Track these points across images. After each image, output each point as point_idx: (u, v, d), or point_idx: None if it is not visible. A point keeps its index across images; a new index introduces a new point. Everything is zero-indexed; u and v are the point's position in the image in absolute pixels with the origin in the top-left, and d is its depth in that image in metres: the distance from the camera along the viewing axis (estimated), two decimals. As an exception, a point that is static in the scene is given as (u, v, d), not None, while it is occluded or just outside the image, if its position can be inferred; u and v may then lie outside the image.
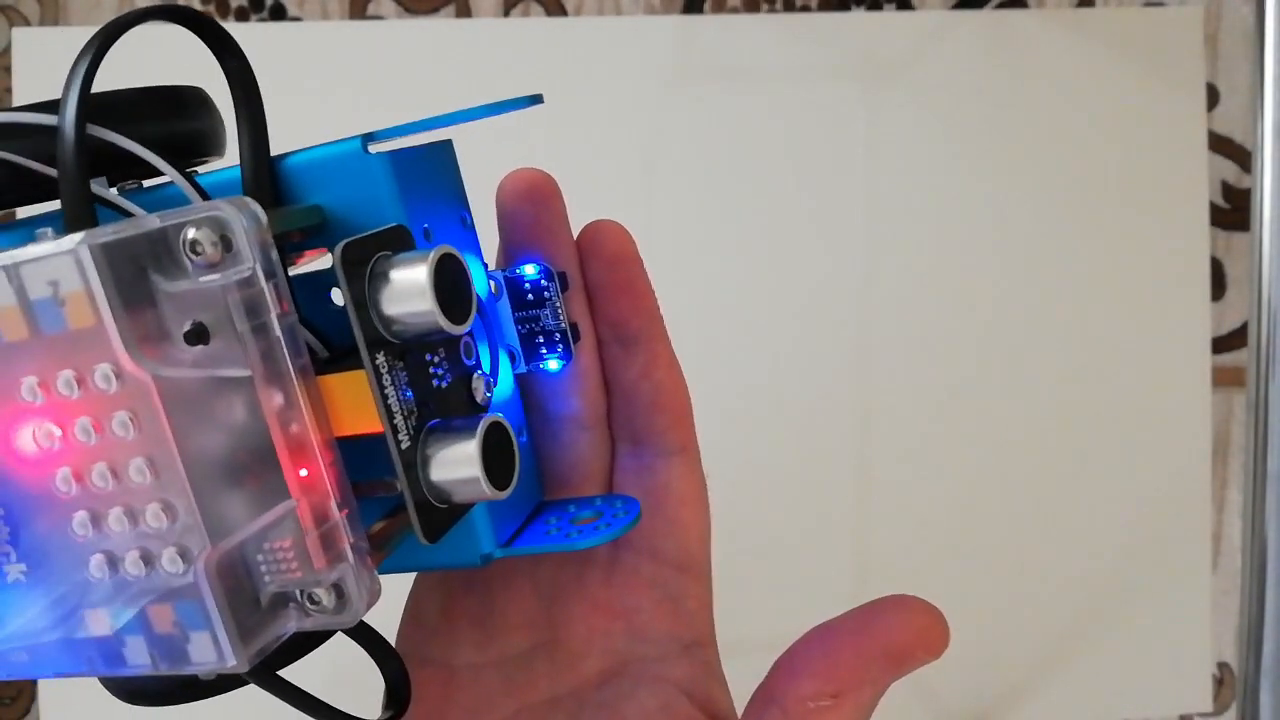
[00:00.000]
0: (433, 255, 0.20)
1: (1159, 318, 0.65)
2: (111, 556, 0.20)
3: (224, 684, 0.23)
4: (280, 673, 0.22)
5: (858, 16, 0.65)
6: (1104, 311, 0.65)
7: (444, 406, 0.22)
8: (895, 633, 0.22)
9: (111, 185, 0.22)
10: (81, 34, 0.60)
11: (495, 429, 0.22)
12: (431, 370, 0.22)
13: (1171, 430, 0.65)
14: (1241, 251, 0.68)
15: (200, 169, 0.24)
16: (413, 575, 0.28)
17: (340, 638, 0.23)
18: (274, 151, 0.23)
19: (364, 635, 0.23)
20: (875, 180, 0.63)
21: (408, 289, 0.20)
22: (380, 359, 0.20)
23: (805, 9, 0.65)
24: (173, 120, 0.23)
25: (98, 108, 0.21)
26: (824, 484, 0.63)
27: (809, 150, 0.63)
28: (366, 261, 0.20)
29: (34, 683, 0.63)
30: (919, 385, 0.64)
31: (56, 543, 0.20)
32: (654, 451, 0.27)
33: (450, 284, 0.21)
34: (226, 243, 0.18)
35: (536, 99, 0.23)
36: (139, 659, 0.20)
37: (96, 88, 0.21)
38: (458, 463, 0.21)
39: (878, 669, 0.22)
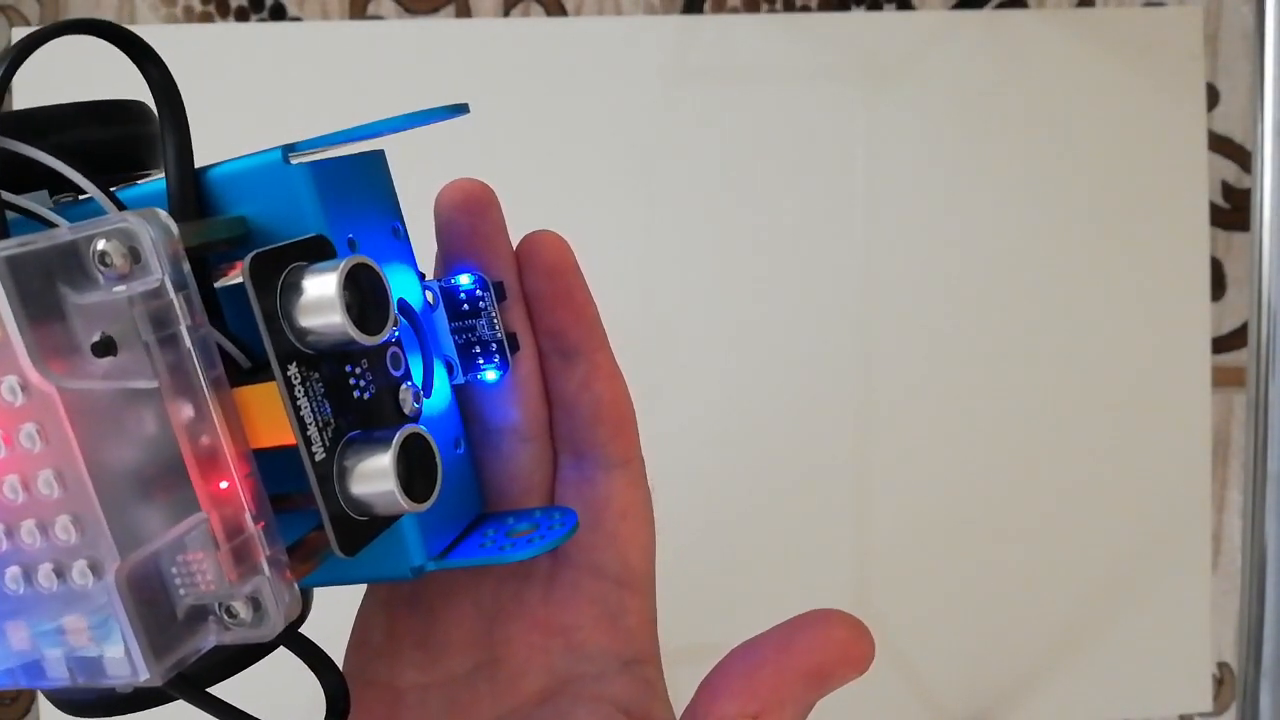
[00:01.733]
0: (343, 266, 0.20)
1: (1159, 317, 0.65)
2: (26, 569, 0.20)
3: (156, 697, 0.23)
4: (222, 686, 0.22)
5: (858, 16, 0.65)
6: (1104, 311, 0.65)
7: (368, 418, 0.22)
8: (815, 651, 0.22)
9: (53, 198, 0.22)
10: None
11: (413, 439, 0.21)
12: (352, 381, 0.22)
13: (1171, 430, 0.65)
14: (1241, 251, 0.68)
15: (140, 181, 0.24)
16: (360, 594, 0.28)
17: (283, 653, 0.23)
18: (210, 161, 0.23)
19: (301, 647, 0.23)
20: (875, 180, 0.63)
21: (317, 300, 0.20)
22: (292, 370, 0.20)
23: (805, 9, 0.65)
24: (101, 131, 0.23)
25: (24, 121, 0.21)
26: (823, 484, 0.63)
27: (809, 150, 0.63)
28: (279, 272, 0.20)
29: (34, 683, 0.63)
30: (919, 385, 0.64)
31: None
32: (595, 464, 0.26)
33: (363, 294, 0.21)
34: (136, 255, 0.18)
35: (461, 109, 0.22)
36: (58, 673, 0.20)
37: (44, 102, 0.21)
38: (373, 475, 0.21)
39: (798, 688, 0.22)
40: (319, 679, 0.24)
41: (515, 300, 0.26)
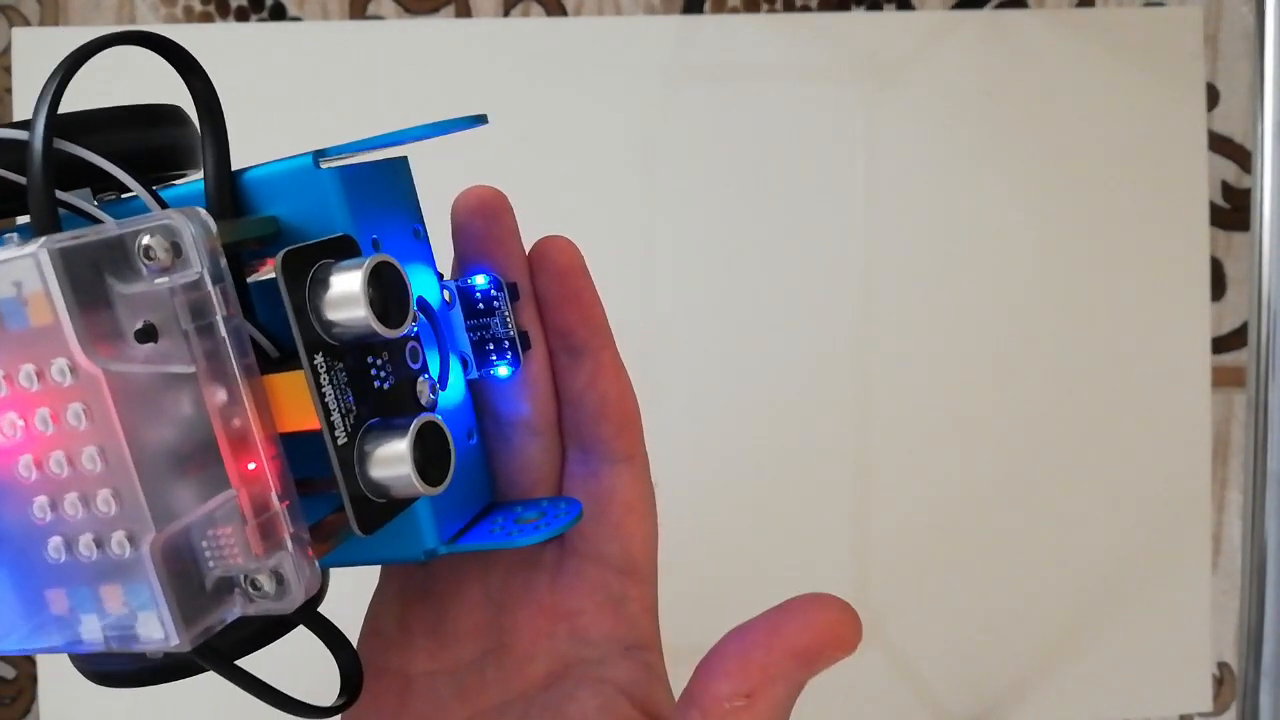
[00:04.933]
0: (368, 264, 0.22)
1: (1159, 317, 0.65)
2: (68, 539, 0.21)
3: (184, 668, 0.24)
4: (243, 663, 0.23)
5: (858, 16, 0.65)
6: (1104, 311, 0.65)
7: (387, 407, 0.23)
8: (806, 632, 0.23)
9: (95, 196, 0.24)
10: (82, 34, 0.60)
11: (429, 427, 0.23)
12: (373, 372, 0.23)
13: (1171, 430, 0.65)
14: (1241, 251, 0.68)
15: (178, 181, 0.26)
16: (375, 580, 0.29)
17: (302, 634, 0.24)
18: (242, 164, 0.24)
19: (318, 624, 0.24)
20: (875, 180, 0.63)
21: (343, 295, 0.22)
22: (319, 360, 0.22)
23: (805, 9, 0.65)
24: (145, 135, 0.25)
25: (75, 124, 0.23)
26: (823, 484, 0.63)
27: (809, 150, 0.63)
28: (308, 268, 0.22)
29: (34, 683, 0.63)
30: (918, 384, 0.64)
31: (20, 525, 0.21)
32: (600, 458, 0.28)
33: (386, 291, 0.22)
34: (177, 249, 0.20)
35: (481, 119, 0.24)
36: (93, 637, 0.21)
37: (80, 107, 0.23)
38: (391, 460, 0.22)
39: (790, 667, 0.23)
40: (334, 656, 0.25)
41: (527, 300, 0.27)
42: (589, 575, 0.28)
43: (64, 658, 0.60)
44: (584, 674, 0.27)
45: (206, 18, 0.63)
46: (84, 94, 0.23)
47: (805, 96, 0.63)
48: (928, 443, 0.64)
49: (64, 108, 0.22)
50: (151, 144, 0.25)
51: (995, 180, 0.64)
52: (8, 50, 0.61)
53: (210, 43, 0.60)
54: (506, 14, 0.64)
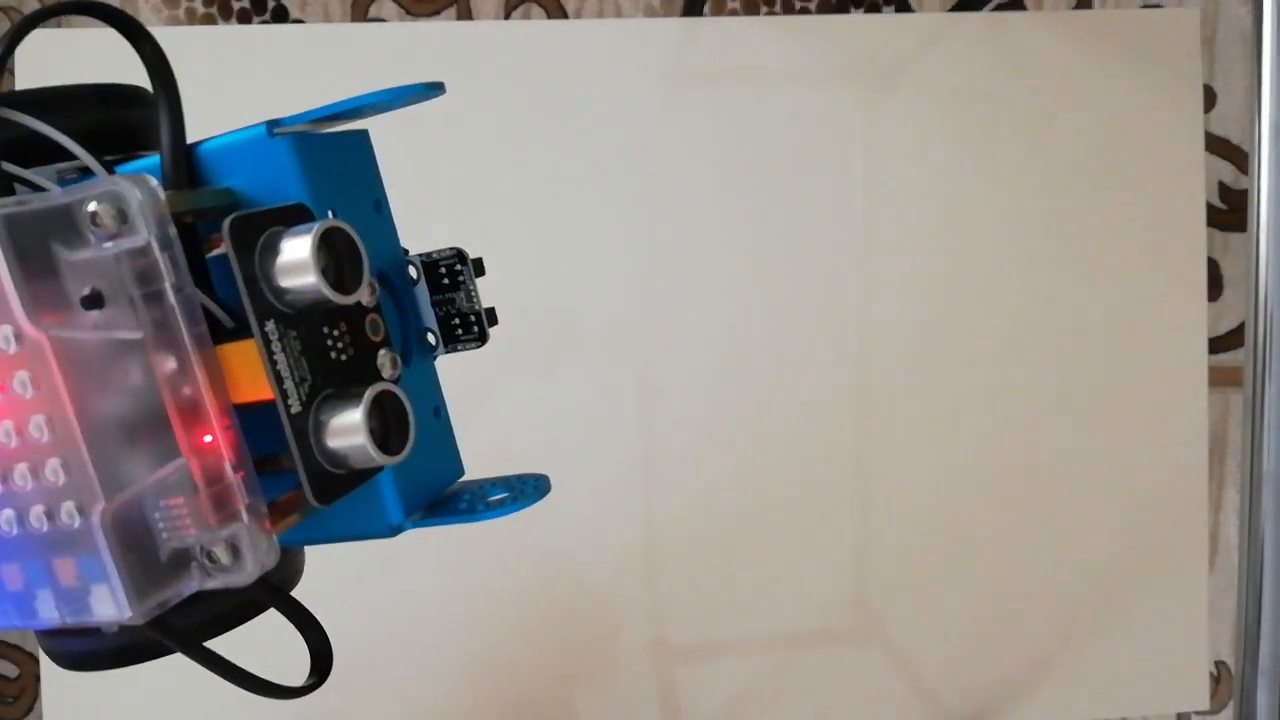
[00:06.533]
0: (318, 228, 0.21)
1: (1156, 318, 0.65)
2: (19, 511, 0.21)
3: (150, 649, 0.24)
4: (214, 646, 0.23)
5: (857, 19, 0.65)
6: (1101, 311, 0.65)
7: (346, 379, 0.23)
8: None
9: (59, 174, 0.24)
10: (82, 35, 0.60)
11: (387, 396, 0.22)
12: (329, 343, 0.23)
13: (1168, 430, 0.65)
14: (1238, 252, 0.68)
15: (142, 156, 0.25)
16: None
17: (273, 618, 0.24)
18: (197, 138, 0.24)
19: (286, 604, 0.24)
20: (874, 181, 0.64)
21: (293, 261, 0.21)
22: (270, 326, 0.21)
23: (804, 11, 0.65)
24: (105, 113, 0.25)
25: (35, 100, 0.23)
26: (822, 484, 0.64)
27: (808, 152, 0.63)
28: (258, 235, 0.21)
29: (37, 681, 0.63)
30: (917, 385, 0.64)
31: None
32: None
33: (339, 257, 0.22)
34: (124, 216, 0.20)
35: (437, 87, 0.24)
36: (48, 613, 0.21)
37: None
38: (346, 429, 0.22)
39: None
40: (304, 637, 0.25)
41: None
42: None
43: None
44: None
45: (209, 20, 0.63)
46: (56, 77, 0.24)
47: (804, 99, 0.63)
48: (926, 442, 0.64)
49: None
50: (112, 122, 0.25)
51: (993, 181, 0.64)
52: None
53: (212, 45, 0.61)
54: (507, 16, 0.64)
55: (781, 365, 0.63)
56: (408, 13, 0.64)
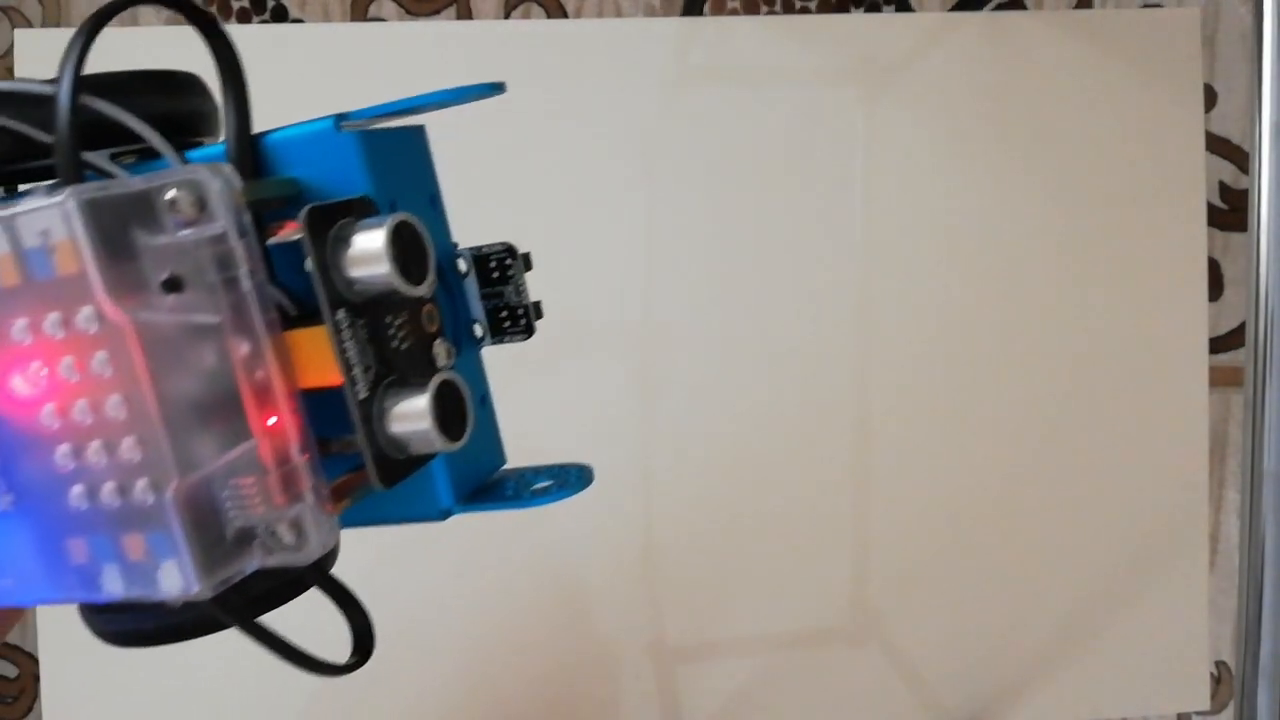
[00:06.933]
0: (390, 220, 0.22)
1: (1156, 318, 0.65)
2: (91, 487, 0.21)
3: (200, 626, 0.25)
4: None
5: (857, 18, 0.65)
6: (1101, 311, 0.65)
7: (404, 367, 0.24)
8: None
9: (112, 159, 0.24)
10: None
11: (447, 385, 0.23)
12: (391, 333, 0.23)
13: (1169, 430, 0.65)
14: (1239, 252, 0.68)
15: (200, 146, 0.26)
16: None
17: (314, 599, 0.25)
18: (259, 129, 0.24)
19: (330, 586, 0.25)
20: (874, 181, 0.64)
21: (367, 251, 0.22)
22: (340, 315, 0.22)
23: (804, 11, 0.65)
24: (164, 100, 0.25)
25: (98, 84, 0.23)
26: (822, 485, 0.64)
27: (808, 151, 0.63)
28: (330, 225, 0.22)
29: (36, 681, 0.63)
30: (917, 384, 0.64)
31: (41, 475, 0.22)
32: None
33: (407, 248, 0.22)
34: (202, 204, 0.20)
35: (499, 87, 0.24)
36: (113, 587, 0.22)
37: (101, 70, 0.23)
38: (411, 415, 0.23)
39: None
40: (346, 617, 0.25)
41: None
42: None
43: (66, 657, 0.60)
44: None
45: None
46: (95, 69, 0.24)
47: (804, 98, 0.63)
48: (926, 442, 0.64)
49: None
50: (169, 109, 0.25)
51: (994, 182, 0.64)
52: (10, 52, 0.61)
53: (212, 44, 0.61)
54: (507, 16, 0.64)
55: (781, 365, 0.63)
56: (408, 12, 0.64)
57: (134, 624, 0.26)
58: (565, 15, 0.65)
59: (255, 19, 0.63)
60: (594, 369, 0.61)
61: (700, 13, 0.65)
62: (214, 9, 0.63)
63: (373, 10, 0.64)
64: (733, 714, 0.62)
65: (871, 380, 0.64)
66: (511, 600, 0.61)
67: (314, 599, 0.26)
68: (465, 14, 0.64)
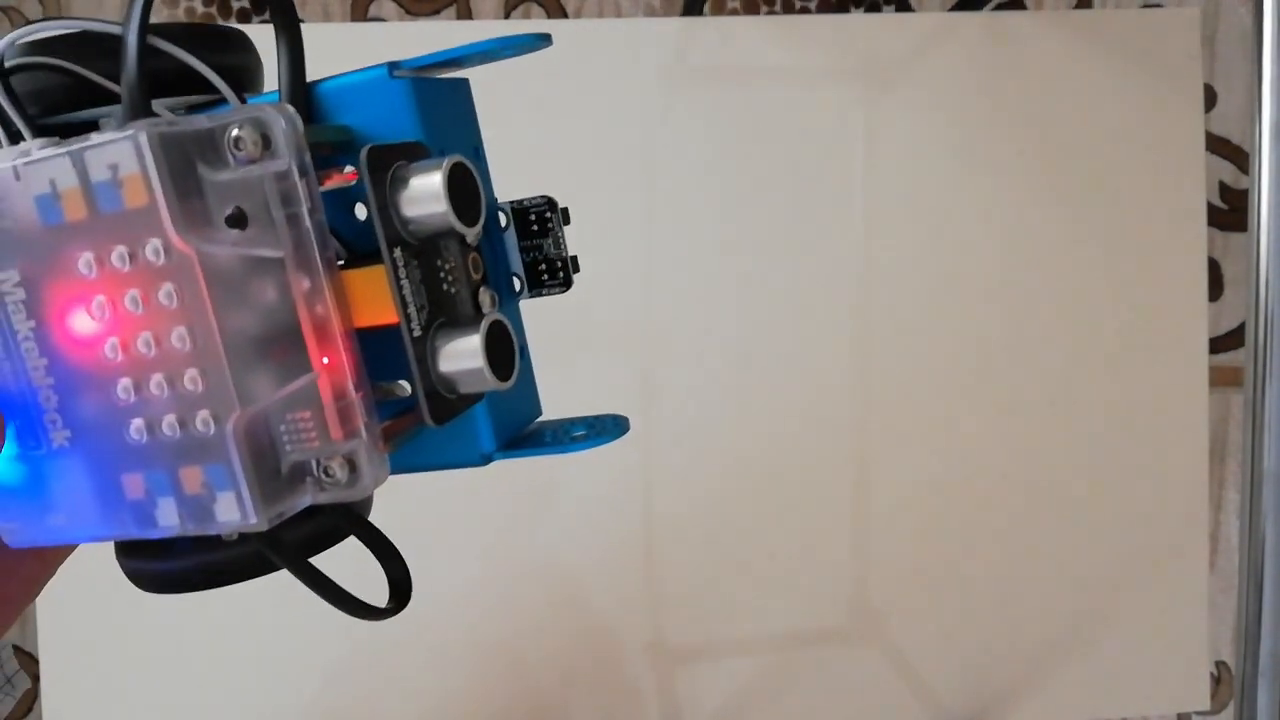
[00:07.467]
0: (447, 162, 0.23)
1: (1156, 318, 0.65)
2: (150, 420, 0.22)
3: (245, 569, 0.25)
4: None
5: (857, 18, 0.65)
6: (1101, 312, 0.65)
7: (453, 309, 0.24)
8: None
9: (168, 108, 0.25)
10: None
11: (497, 325, 0.24)
12: (442, 275, 0.24)
13: (1169, 430, 0.65)
14: (1239, 252, 0.68)
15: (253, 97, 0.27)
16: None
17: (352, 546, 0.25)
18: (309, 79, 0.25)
19: (369, 534, 0.26)
20: (874, 181, 0.64)
21: (424, 191, 0.22)
22: (398, 254, 0.22)
23: (805, 11, 0.65)
24: (216, 52, 0.26)
25: (157, 32, 0.24)
26: (822, 484, 0.64)
27: (808, 151, 0.63)
28: (388, 166, 0.23)
29: (36, 681, 0.63)
30: (917, 384, 0.64)
31: (100, 409, 0.22)
32: None
33: (461, 189, 0.23)
34: (266, 141, 0.21)
35: (545, 38, 0.26)
36: (168, 520, 0.22)
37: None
38: (463, 354, 0.23)
39: None
40: (383, 565, 0.26)
41: None
42: None
43: (66, 657, 0.60)
44: None
45: (208, 19, 0.63)
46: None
47: (804, 98, 0.63)
48: (926, 442, 0.64)
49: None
50: (219, 62, 0.26)
51: (994, 182, 0.64)
52: (10, 52, 0.61)
53: (212, 44, 0.61)
54: (507, 15, 0.64)
55: (781, 365, 0.63)
56: (407, 12, 0.64)
57: (176, 565, 0.26)
58: (565, 15, 0.65)
59: (255, 19, 0.63)
60: (594, 369, 0.61)
61: (700, 13, 0.65)
62: (213, 9, 0.63)
63: (373, 10, 0.64)
64: (733, 714, 0.62)
65: (871, 380, 0.64)
66: (512, 600, 0.61)
67: (335, 558, 0.26)
68: (465, 14, 0.64)
